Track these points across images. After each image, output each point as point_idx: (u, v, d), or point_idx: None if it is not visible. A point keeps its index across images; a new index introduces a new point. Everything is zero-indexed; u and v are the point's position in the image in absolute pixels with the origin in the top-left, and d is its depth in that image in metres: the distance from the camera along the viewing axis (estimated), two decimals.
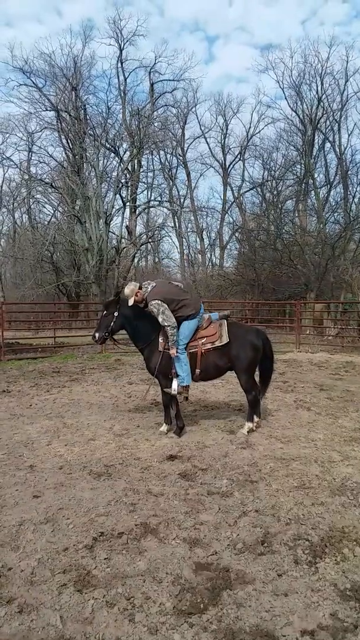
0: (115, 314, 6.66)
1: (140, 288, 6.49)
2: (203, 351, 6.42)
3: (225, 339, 6.42)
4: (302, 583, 3.18)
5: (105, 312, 6.77)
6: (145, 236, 34.11)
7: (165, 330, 6.29)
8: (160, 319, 6.21)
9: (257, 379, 6.97)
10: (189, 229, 41.62)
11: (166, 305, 6.20)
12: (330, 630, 2.74)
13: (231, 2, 60.96)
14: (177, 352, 6.28)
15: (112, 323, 6.66)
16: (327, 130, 30.64)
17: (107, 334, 6.72)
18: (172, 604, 2.97)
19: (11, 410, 8.07)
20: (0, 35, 54.48)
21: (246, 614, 2.87)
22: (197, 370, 6.46)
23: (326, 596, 3.04)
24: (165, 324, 6.19)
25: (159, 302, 6.22)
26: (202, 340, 6.45)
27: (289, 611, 2.90)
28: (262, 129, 55.52)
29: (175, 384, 6.39)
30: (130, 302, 6.44)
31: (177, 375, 6.38)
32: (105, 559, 3.47)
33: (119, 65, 31.92)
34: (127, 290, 6.54)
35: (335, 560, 3.45)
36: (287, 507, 4.30)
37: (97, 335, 6.79)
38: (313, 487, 4.74)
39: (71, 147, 29.44)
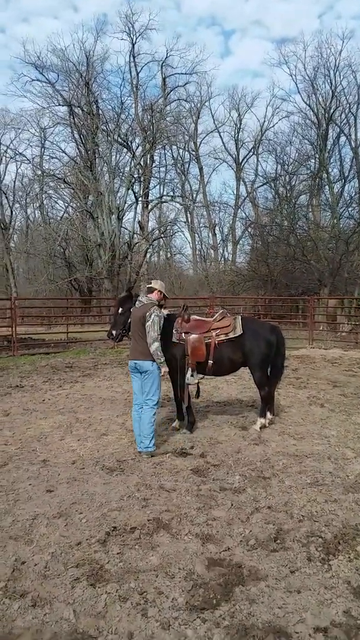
0: (132, 309, 6.56)
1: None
2: (217, 342, 6.38)
3: (239, 331, 6.40)
4: (315, 580, 3.17)
5: (120, 309, 6.51)
6: (157, 231, 34.08)
7: (151, 344, 5.67)
8: (154, 328, 5.64)
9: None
10: (201, 224, 41.61)
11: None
12: (343, 628, 2.72)
13: None
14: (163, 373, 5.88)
15: (129, 320, 6.52)
16: (342, 123, 30.34)
17: (124, 330, 6.56)
18: (185, 599, 2.98)
19: (24, 405, 8.13)
20: (16, 31, 54.78)
21: (259, 610, 2.87)
22: (210, 362, 6.39)
23: (339, 593, 3.03)
24: (154, 334, 5.64)
25: (160, 316, 5.77)
26: (216, 332, 6.42)
27: (302, 608, 2.89)
28: (277, 123, 55.48)
29: (189, 373, 6.35)
30: (155, 289, 6.06)
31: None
32: (118, 553, 3.48)
33: (132, 59, 31.84)
34: (158, 284, 6.13)
35: (349, 557, 3.43)
36: (300, 503, 4.29)
37: (114, 332, 6.55)
38: (326, 484, 4.71)
39: (84, 142, 29.48)
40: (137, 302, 5.95)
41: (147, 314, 5.65)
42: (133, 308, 5.98)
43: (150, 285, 6.13)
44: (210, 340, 6.39)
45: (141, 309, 5.76)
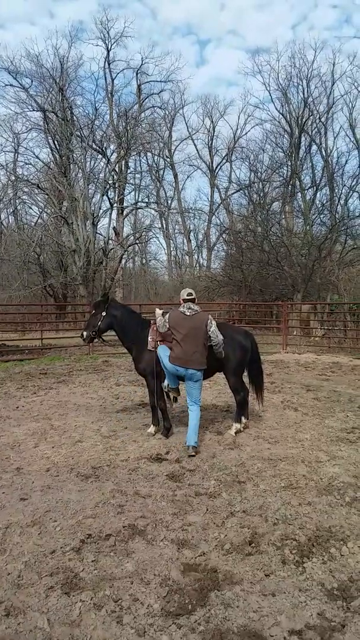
0: (103, 313, 6.71)
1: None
2: None
3: None
4: (290, 583, 3.19)
5: (93, 311, 6.84)
6: (132, 237, 34.05)
7: (220, 344, 6.19)
8: (219, 332, 6.17)
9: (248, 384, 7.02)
10: (176, 231, 41.81)
11: (164, 324, 6.13)
12: (317, 630, 2.75)
13: (223, 5, 61.34)
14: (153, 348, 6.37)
15: (100, 322, 6.72)
16: (313, 132, 30.83)
17: (94, 332, 6.77)
18: (160, 605, 2.97)
19: None
20: None
21: (234, 615, 2.88)
22: None
23: (313, 596, 3.06)
24: (221, 337, 6.20)
25: (164, 318, 6.19)
26: None
27: (277, 611, 2.91)
28: (249, 130, 56.07)
29: (166, 382, 6.38)
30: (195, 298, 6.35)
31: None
32: (92, 561, 3.46)
33: (107, 66, 31.90)
34: (183, 292, 6.40)
35: (323, 559, 3.46)
36: (275, 507, 4.32)
37: (84, 334, 6.88)
38: (300, 487, 4.76)
39: (58, 148, 29.27)
40: (187, 310, 6.06)
41: (209, 320, 6.08)
42: (180, 315, 6.04)
43: (193, 297, 6.27)
44: None
45: (199, 317, 6.05)
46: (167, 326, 6.07)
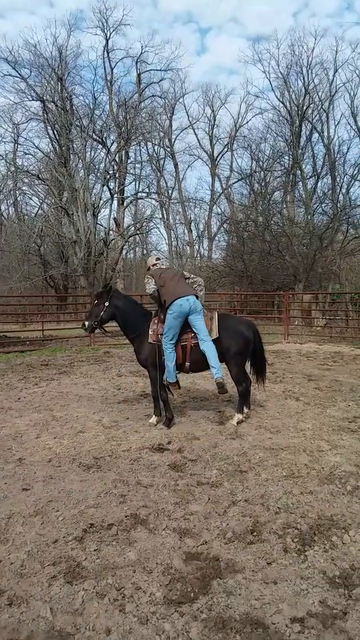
0: (106, 303, 6.69)
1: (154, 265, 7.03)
2: (192, 345, 6.40)
3: (215, 334, 6.39)
4: (292, 571, 3.20)
5: (96, 301, 6.81)
6: (133, 228, 33.99)
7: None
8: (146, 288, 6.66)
9: (251, 373, 7.03)
10: (177, 221, 41.71)
11: (151, 278, 6.60)
12: (319, 618, 2.76)
13: None
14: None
15: (102, 312, 6.69)
16: (314, 120, 30.60)
17: (96, 323, 6.74)
18: (163, 593, 2.98)
19: None
20: None
21: (236, 603, 2.89)
22: (187, 364, 6.44)
23: (315, 583, 3.07)
24: (147, 291, 6.67)
25: (148, 277, 6.63)
26: (192, 334, 6.42)
27: (279, 599, 2.92)
28: (250, 119, 55.75)
29: (166, 374, 6.41)
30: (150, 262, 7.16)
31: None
32: (95, 550, 3.47)
33: (106, 55, 31.72)
34: (150, 259, 7.26)
35: (324, 548, 3.47)
36: (277, 496, 4.32)
37: (86, 323, 6.85)
38: (302, 476, 4.76)
39: (58, 138, 29.16)
40: (162, 265, 7.14)
41: (182, 271, 6.95)
42: (162, 271, 6.73)
43: (161, 260, 7.38)
44: (186, 343, 6.41)
45: (173, 269, 7.27)
46: (155, 286, 6.51)
